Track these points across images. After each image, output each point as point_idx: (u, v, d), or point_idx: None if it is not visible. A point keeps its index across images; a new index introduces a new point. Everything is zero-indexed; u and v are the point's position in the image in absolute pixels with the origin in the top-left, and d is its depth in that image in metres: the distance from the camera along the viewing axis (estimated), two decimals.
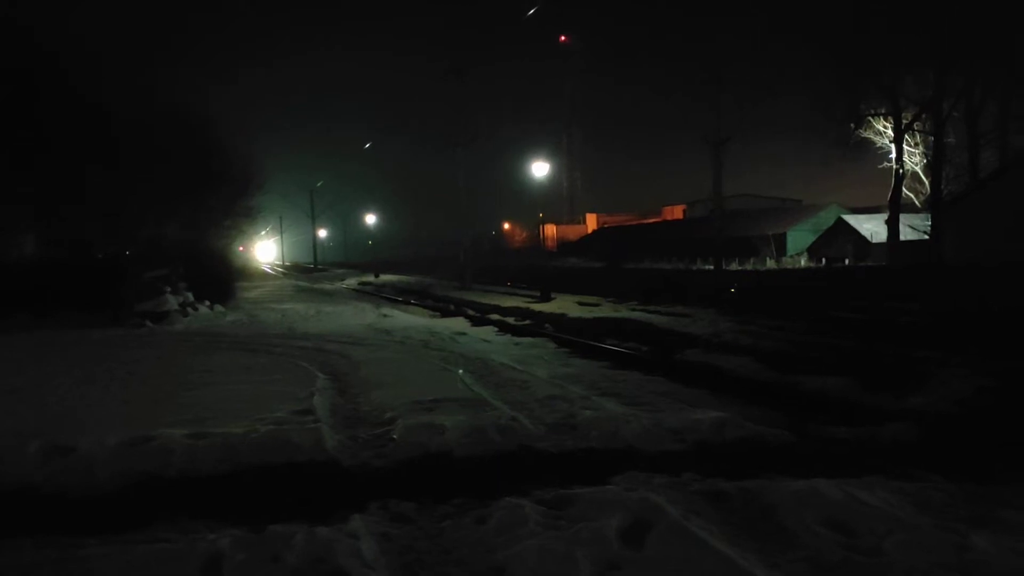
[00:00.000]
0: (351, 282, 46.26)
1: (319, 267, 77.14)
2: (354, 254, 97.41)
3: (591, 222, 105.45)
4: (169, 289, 18.54)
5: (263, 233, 78.02)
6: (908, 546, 3.67)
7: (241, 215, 34.91)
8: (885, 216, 38.86)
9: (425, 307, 23.95)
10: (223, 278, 24.35)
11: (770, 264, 46.16)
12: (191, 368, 10.34)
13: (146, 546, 3.68)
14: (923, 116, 36.29)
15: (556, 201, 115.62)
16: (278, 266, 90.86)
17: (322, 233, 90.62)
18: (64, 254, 22.70)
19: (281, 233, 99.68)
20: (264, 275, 55.93)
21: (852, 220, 50.30)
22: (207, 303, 20.39)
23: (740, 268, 44.78)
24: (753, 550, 3.69)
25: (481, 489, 4.74)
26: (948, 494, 4.64)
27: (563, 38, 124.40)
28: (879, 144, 38.39)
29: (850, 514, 4.10)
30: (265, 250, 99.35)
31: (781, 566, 3.51)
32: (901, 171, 36.94)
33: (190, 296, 19.52)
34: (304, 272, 70.06)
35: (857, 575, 3.44)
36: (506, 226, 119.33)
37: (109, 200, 21.94)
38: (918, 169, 38.24)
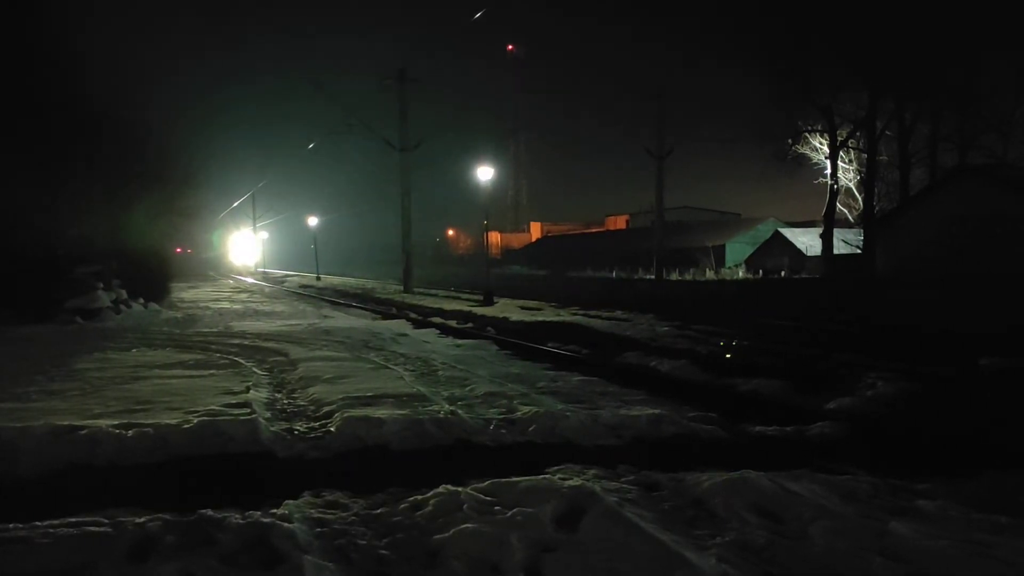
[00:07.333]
0: (291, 284, 45.63)
1: (260, 269, 76.57)
2: (296, 256, 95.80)
3: (535, 231, 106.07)
4: (101, 286, 18.03)
5: (216, 231, 75.99)
6: (832, 531, 3.79)
7: (178, 214, 34.06)
8: (820, 230, 39.96)
9: (367, 309, 23.73)
10: (159, 277, 23.78)
11: (709, 275, 47.01)
12: (122, 363, 10.09)
13: (71, 529, 3.58)
14: (857, 134, 37.48)
15: (501, 209, 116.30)
16: (234, 269, 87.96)
17: (263, 235, 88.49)
18: None
19: (216, 233, 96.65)
20: (204, 276, 54.79)
21: (788, 233, 51.58)
22: (141, 301, 19.88)
23: (680, 278, 45.52)
24: (684, 534, 3.77)
25: (417, 479, 4.72)
26: (872, 486, 4.80)
27: (510, 47, 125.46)
28: (815, 160, 39.54)
29: (778, 503, 4.22)
30: (244, 251, 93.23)
31: (710, 548, 3.59)
32: (836, 187, 38.06)
33: (123, 293, 19.00)
34: (246, 274, 69.11)
35: (782, 556, 3.55)
36: (450, 232, 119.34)
37: (38, 195, 21.09)
38: (852, 185, 39.50)
